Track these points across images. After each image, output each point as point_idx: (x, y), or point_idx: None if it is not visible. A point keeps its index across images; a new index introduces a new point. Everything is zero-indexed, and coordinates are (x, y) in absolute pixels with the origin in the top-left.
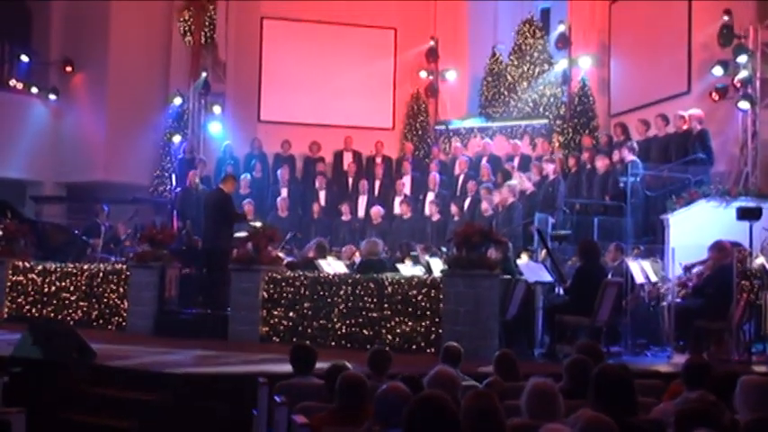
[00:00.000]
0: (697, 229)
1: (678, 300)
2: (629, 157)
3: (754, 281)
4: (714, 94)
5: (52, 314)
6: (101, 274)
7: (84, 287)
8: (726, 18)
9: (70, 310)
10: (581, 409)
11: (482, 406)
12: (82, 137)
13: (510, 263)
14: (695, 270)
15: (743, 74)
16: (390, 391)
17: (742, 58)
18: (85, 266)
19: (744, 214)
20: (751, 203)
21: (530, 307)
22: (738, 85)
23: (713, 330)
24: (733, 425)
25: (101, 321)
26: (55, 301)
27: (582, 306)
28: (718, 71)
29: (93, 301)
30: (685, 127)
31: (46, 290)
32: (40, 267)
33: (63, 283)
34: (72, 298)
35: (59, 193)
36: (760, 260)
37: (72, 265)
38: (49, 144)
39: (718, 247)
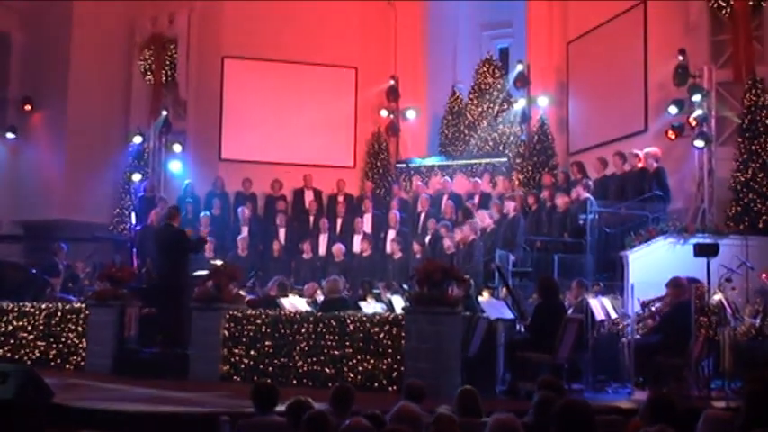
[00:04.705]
0: (655, 265)
1: (637, 336)
2: (584, 194)
3: (712, 317)
4: (670, 132)
5: (9, 354)
6: (59, 314)
7: (41, 326)
8: (680, 58)
9: (27, 350)
10: None
11: None
12: (40, 175)
13: (471, 300)
14: (654, 307)
15: (698, 112)
16: (353, 427)
17: (697, 97)
18: (43, 306)
19: (701, 251)
20: (708, 240)
21: (491, 344)
22: (694, 123)
23: (673, 366)
24: None
25: (59, 361)
26: (12, 341)
27: (543, 343)
28: (673, 110)
29: (51, 340)
30: (641, 165)
31: (2, 329)
32: None
33: (20, 323)
34: (29, 337)
35: (17, 231)
36: (718, 296)
37: (29, 305)
38: (7, 182)
39: (675, 284)
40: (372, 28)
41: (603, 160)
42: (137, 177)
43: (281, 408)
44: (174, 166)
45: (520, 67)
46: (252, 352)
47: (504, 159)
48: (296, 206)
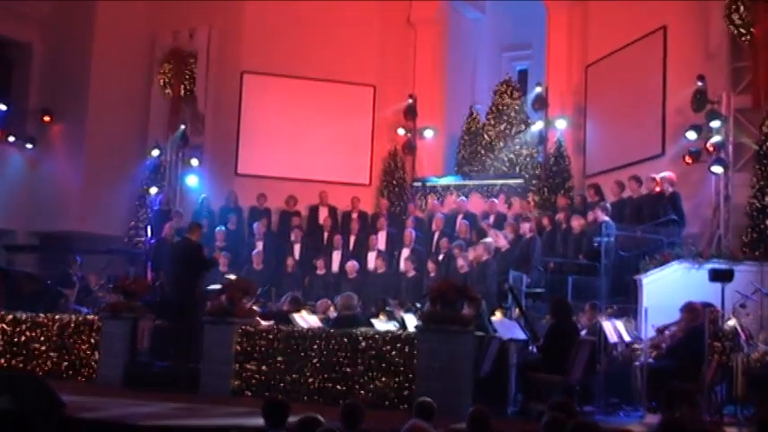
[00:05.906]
0: (670, 290)
1: (650, 360)
2: (602, 217)
3: (725, 342)
4: (687, 157)
5: (21, 365)
6: (72, 325)
7: (54, 338)
8: (699, 84)
9: (40, 361)
10: None
11: None
12: (57, 186)
13: (483, 320)
14: (667, 331)
15: (716, 138)
16: None
17: (715, 123)
18: (56, 317)
19: (716, 276)
20: (723, 266)
21: (503, 364)
22: (711, 149)
23: (685, 391)
24: None
25: (71, 372)
26: (24, 352)
27: (555, 364)
28: (691, 135)
29: (64, 352)
30: (657, 189)
31: (15, 340)
32: (10, 317)
33: (33, 334)
34: (42, 348)
35: (32, 242)
36: (732, 322)
37: (43, 316)
38: (24, 193)
39: (689, 309)
40: (392, 47)
41: (621, 183)
42: (153, 191)
43: (291, 423)
44: (191, 181)
45: (538, 89)
46: (263, 367)
47: (520, 180)
48: (311, 222)
